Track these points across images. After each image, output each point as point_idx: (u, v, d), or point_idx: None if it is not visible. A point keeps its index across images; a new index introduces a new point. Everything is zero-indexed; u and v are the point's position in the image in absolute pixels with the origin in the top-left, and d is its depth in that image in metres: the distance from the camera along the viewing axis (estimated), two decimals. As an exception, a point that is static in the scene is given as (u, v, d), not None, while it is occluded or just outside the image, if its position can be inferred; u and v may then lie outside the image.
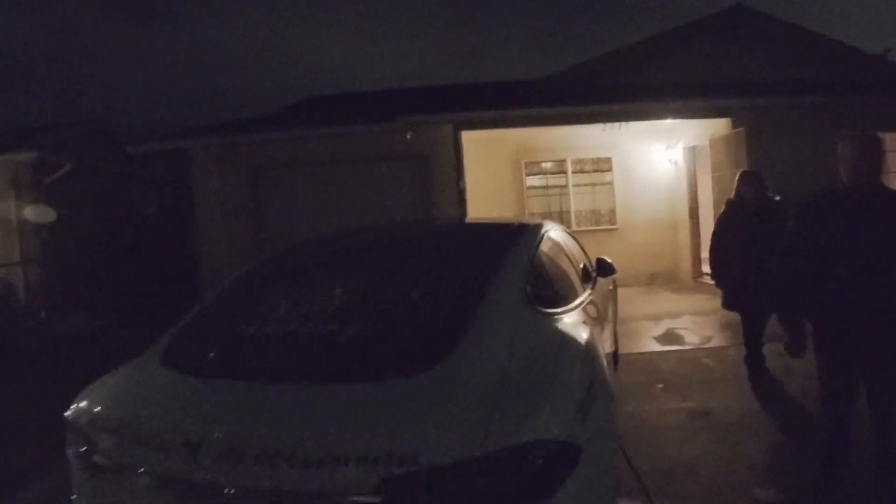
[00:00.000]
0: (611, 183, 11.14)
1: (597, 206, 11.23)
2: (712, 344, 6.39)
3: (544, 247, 3.03)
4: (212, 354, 2.29)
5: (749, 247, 4.65)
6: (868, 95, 8.56)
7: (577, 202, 11.18)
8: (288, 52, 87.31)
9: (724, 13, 9.67)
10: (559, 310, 2.58)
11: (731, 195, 5.01)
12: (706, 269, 10.13)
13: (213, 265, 8.93)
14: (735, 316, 5.36)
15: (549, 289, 2.73)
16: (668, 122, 9.40)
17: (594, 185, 11.22)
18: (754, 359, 5.00)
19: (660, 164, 10.89)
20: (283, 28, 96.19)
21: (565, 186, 11.20)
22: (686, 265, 10.59)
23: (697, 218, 10.22)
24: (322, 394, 1.85)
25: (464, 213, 8.77)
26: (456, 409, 1.68)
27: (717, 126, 8.89)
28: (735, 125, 8.37)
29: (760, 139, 8.06)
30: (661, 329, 7.18)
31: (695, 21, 9.79)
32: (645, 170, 10.98)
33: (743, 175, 4.97)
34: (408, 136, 8.35)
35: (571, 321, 2.61)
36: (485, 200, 10.11)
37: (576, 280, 3.38)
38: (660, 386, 5.04)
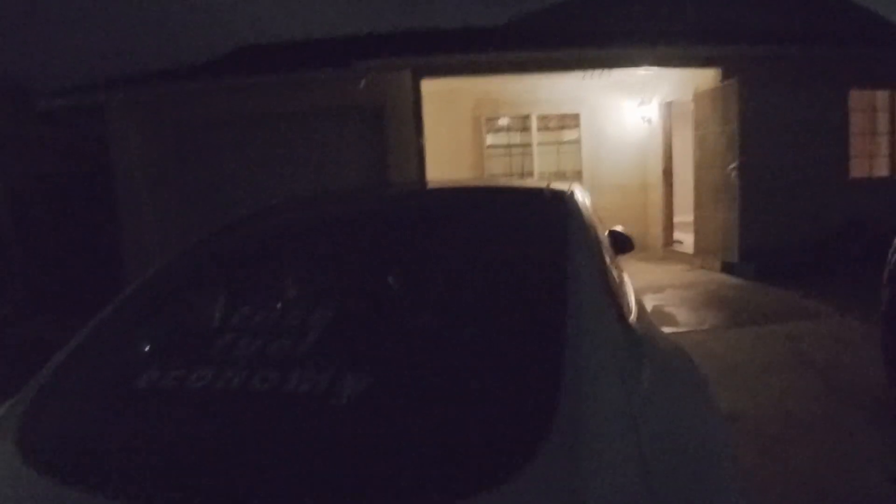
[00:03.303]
0: (577, 141, 10.32)
1: (562, 166, 10.40)
2: (709, 325, 5.74)
3: (591, 224, 2.09)
4: (102, 442, 1.24)
5: None
6: (876, 49, 7.93)
7: (540, 163, 10.32)
8: (218, 4, 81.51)
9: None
10: (633, 318, 1.74)
11: None
12: (678, 235, 9.57)
13: (136, 243, 7.81)
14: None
15: (615, 288, 1.81)
16: (642, 75, 8.57)
17: (560, 143, 10.39)
18: None
19: (631, 121, 10.12)
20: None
21: (529, 145, 10.30)
22: (656, 231, 9.94)
23: (671, 180, 9.55)
24: None
25: (423, 174, 7.77)
26: None
27: (702, 78, 8.09)
28: (725, 77, 7.58)
29: (755, 93, 7.26)
30: (647, 307, 6.46)
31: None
32: (615, 128, 10.21)
33: None
34: (361, 86, 7.20)
35: (660, 339, 1.82)
36: (440, 161, 9.12)
37: (615, 265, 2.49)
38: (669, 379, 4.31)
